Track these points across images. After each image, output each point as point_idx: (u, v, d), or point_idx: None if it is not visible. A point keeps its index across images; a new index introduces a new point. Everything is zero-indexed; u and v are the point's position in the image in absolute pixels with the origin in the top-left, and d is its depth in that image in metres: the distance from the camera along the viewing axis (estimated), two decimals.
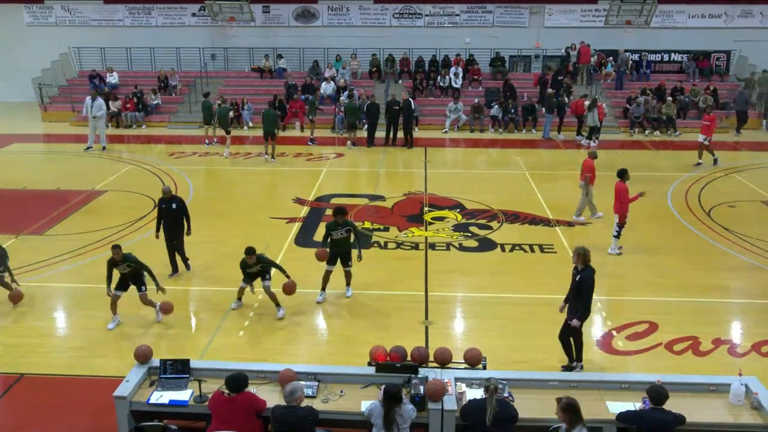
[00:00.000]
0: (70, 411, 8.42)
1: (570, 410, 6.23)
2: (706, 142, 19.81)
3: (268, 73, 28.97)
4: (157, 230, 12.22)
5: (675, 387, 7.09)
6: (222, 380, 7.04)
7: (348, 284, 11.47)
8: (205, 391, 7.26)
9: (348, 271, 11.35)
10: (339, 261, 11.19)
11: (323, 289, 11.26)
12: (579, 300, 8.74)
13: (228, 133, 21.80)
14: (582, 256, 8.77)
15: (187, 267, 12.48)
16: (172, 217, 12.05)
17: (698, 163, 20.13)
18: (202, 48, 29.69)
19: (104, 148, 21.93)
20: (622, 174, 13.17)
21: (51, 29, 30.85)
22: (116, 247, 10.22)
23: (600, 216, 15.14)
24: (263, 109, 21.66)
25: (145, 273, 10.34)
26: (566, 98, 25.02)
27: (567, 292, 9.14)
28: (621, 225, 13.17)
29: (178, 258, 12.31)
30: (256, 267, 10.52)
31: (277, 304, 10.67)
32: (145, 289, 10.39)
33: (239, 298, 10.98)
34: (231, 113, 23.28)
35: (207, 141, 22.94)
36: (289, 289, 10.76)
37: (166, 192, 12.23)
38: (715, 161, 20.06)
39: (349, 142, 22.79)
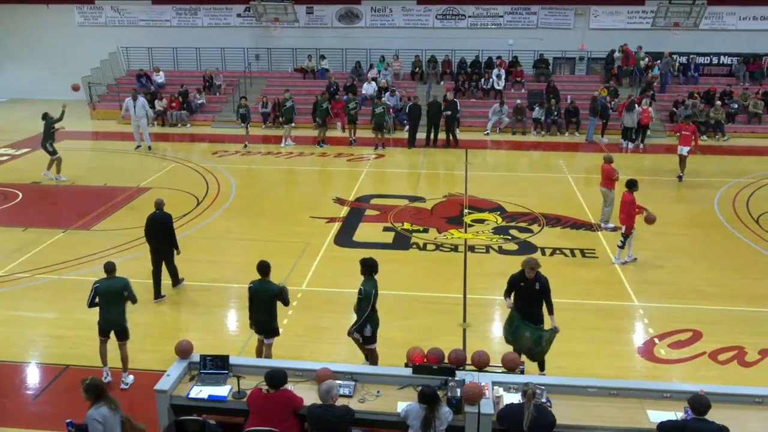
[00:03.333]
0: None
1: (88, 391, 6.46)
2: (686, 154, 18.49)
3: (311, 73, 29.19)
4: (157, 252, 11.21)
5: (719, 397, 6.94)
6: (260, 377, 7.13)
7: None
8: (244, 388, 7.35)
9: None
10: None
11: None
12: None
13: (289, 123, 22.99)
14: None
15: (178, 282, 11.62)
16: (165, 231, 11.25)
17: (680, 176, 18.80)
18: (246, 48, 30.07)
19: (149, 147, 22.32)
20: (631, 185, 12.59)
21: (101, 29, 31.59)
22: (109, 267, 8.90)
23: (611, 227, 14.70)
24: (305, 109, 23.42)
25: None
26: (610, 101, 24.63)
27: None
28: (626, 236, 12.74)
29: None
30: None
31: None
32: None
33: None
34: (292, 106, 23.55)
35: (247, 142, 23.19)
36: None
37: (159, 204, 11.30)
38: (680, 177, 18.69)
39: (378, 145, 22.85)
